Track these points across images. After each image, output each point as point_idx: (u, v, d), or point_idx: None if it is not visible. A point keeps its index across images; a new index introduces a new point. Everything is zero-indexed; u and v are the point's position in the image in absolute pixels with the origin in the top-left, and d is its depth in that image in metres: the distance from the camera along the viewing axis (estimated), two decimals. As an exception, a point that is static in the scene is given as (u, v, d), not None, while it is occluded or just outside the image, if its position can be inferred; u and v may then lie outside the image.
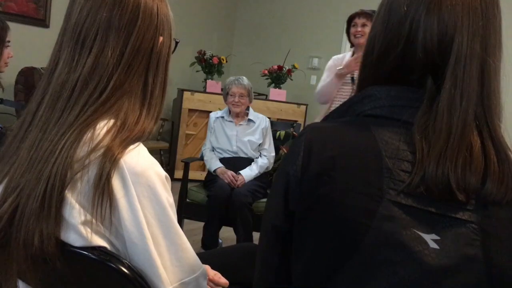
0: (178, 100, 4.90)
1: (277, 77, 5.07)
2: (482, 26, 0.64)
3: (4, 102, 3.23)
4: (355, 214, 0.62)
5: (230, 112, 3.04)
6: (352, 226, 0.62)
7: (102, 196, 0.71)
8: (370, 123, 0.68)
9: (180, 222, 2.90)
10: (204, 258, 1.09)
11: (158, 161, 0.79)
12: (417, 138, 0.63)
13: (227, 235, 3.08)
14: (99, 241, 0.73)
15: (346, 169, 0.64)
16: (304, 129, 0.72)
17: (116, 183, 0.72)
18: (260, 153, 3.01)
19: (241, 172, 2.86)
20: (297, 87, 5.51)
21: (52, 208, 0.71)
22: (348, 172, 0.64)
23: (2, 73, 2.09)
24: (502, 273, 0.60)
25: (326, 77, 2.87)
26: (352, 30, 2.80)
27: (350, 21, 2.83)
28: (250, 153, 2.98)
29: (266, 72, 5.09)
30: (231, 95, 2.96)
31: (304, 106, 5.12)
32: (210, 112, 3.20)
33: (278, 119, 4.86)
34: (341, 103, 0.77)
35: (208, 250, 2.29)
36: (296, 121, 4.72)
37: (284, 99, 5.10)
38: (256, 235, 2.51)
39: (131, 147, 0.76)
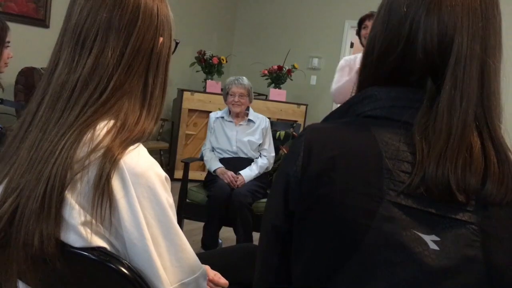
0: (178, 100, 4.90)
1: (277, 77, 5.07)
2: (482, 27, 0.64)
3: (4, 102, 3.23)
4: (355, 214, 0.62)
5: (230, 112, 3.04)
6: (352, 227, 0.62)
7: (102, 197, 0.71)
8: (370, 123, 0.68)
9: (180, 222, 2.90)
10: (204, 258, 1.09)
11: (158, 161, 0.79)
12: (417, 139, 0.62)
13: (227, 235, 3.08)
14: (99, 242, 0.73)
15: (346, 170, 0.64)
16: (304, 129, 0.72)
17: (116, 183, 0.72)
18: (260, 153, 3.01)
19: (241, 172, 2.86)
20: (297, 87, 5.52)
21: (52, 209, 0.71)
22: (348, 172, 0.64)
23: (2, 73, 2.09)
24: (502, 274, 0.60)
25: (340, 77, 2.89)
26: (363, 32, 2.82)
27: (361, 23, 2.83)
28: (250, 153, 2.98)
29: (266, 72, 5.09)
30: (231, 95, 2.96)
31: (304, 106, 5.13)
32: (210, 112, 3.20)
33: (278, 119, 4.87)
34: None
35: (208, 251, 2.30)
36: (296, 121, 4.73)
37: (284, 99, 5.10)
38: (256, 235, 2.51)
39: (131, 147, 0.76)
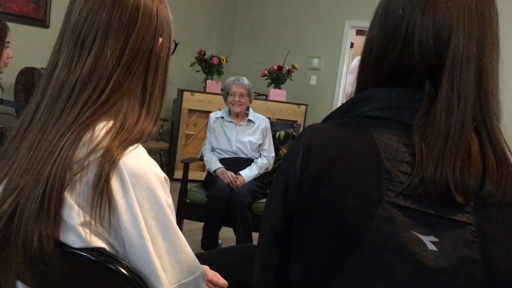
0: (178, 100, 4.90)
1: (277, 77, 5.07)
2: (478, 27, 0.64)
3: (4, 102, 3.23)
4: (355, 215, 0.62)
5: (230, 112, 3.04)
6: (351, 227, 0.62)
7: (101, 197, 0.71)
8: (369, 124, 0.68)
9: (179, 222, 2.90)
10: (203, 258, 1.10)
11: (158, 162, 0.79)
12: (416, 140, 0.62)
13: (227, 235, 3.08)
14: (98, 242, 0.73)
15: (345, 170, 0.64)
16: (304, 130, 0.72)
17: (115, 184, 0.72)
18: (260, 153, 3.01)
19: (240, 172, 2.86)
20: (297, 87, 5.52)
21: (51, 209, 0.71)
22: (347, 173, 0.64)
23: (2, 73, 2.09)
24: (500, 275, 0.60)
25: (354, 78, 2.90)
26: None
27: None
28: (250, 153, 2.98)
29: (266, 72, 5.09)
30: (231, 95, 2.96)
31: (304, 107, 5.13)
32: (210, 112, 3.20)
33: (278, 119, 4.87)
34: None
35: (208, 251, 2.30)
36: (296, 121, 4.73)
37: (284, 99, 5.10)
38: (256, 236, 2.50)
39: (130, 148, 0.76)
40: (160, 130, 4.92)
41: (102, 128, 0.76)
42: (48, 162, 0.73)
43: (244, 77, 3.03)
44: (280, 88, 5.13)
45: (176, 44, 0.91)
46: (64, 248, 0.73)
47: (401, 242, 0.60)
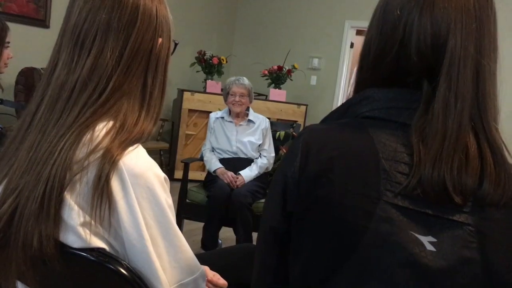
0: (178, 101, 4.90)
1: (277, 77, 5.07)
2: (475, 28, 0.64)
3: (4, 102, 3.24)
4: (353, 215, 0.62)
5: (230, 112, 3.04)
6: (350, 227, 0.62)
7: (101, 198, 0.71)
8: (368, 125, 0.68)
9: (179, 222, 2.90)
10: (203, 258, 1.10)
11: (158, 162, 0.79)
12: (414, 141, 0.63)
13: (227, 235, 3.08)
14: (98, 243, 0.73)
15: (344, 171, 0.64)
16: (302, 130, 0.72)
17: (115, 184, 0.72)
18: (260, 153, 3.01)
19: (240, 172, 2.86)
20: (297, 88, 5.51)
21: (51, 210, 0.71)
22: (346, 173, 0.64)
23: (2, 73, 2.09)
24: (499, 275, 0.60)
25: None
26: None
27: None
28: (250, 153, 2.98)
29: (266, 72, 5.09)
30: (232, 95, 2.96)
31: (304, 107, 5.13)
32: (210, 112, 3.20)
33: (278, 119, 4.87)
34: None
35: (208, 251, 2.30)
36: (296, 121, 4.73)
37: (284, 100, 5.10)
38: (256, 236, 2.50)
39: (130, 148, 0.76)
40: (160, 130, 4.92)
41: (102, 129, 0.76)
42: (48, 162, 0.73)
43: (244, 77, 3.03)
44: (280, 88, 5.13)
45: (176, 44, 0.91)
46: (64, 248, 0.73)
47: (400, 242, 0.60)
